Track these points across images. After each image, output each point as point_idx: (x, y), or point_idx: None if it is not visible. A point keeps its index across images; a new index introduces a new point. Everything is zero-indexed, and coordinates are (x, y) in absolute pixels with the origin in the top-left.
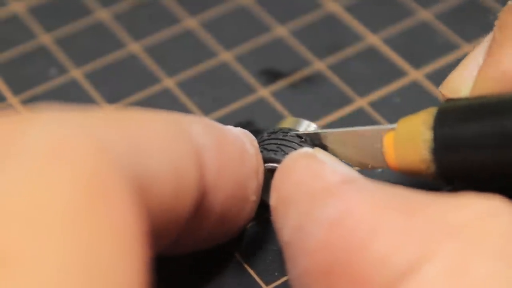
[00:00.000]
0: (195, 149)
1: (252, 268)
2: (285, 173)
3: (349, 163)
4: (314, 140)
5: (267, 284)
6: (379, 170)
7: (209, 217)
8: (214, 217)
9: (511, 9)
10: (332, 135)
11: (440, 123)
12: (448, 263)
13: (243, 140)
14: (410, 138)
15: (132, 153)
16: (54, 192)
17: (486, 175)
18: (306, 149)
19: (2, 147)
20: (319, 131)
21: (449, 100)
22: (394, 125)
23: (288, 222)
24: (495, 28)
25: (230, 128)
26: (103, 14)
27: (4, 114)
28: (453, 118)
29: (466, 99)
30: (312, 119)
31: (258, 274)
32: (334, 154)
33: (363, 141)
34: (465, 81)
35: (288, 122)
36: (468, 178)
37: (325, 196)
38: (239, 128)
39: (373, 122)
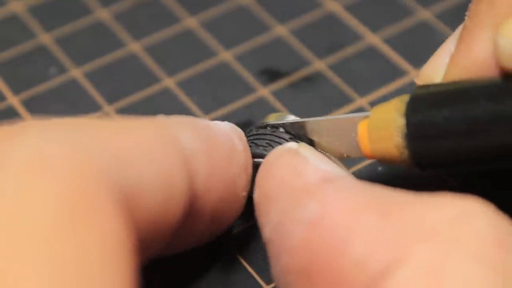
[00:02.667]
0: (184, 156)
1: (252, 268)
2: (267, 169)
3: (326, 152)
4: (292, 131)
5: (267, 283)
6: (379, 169)
7: (201, 219)
8: (205, 218)
9: None
10: (308, 124)
11: (412, 110)
12: (423, 265)
13: (232, 136)
14: (383, 125)
15: (118, 165)
16: (37, 205)
17: (458, 161)
18: (290, 144)
19: None
20: (295, 120)
21: (420, 87)
22: (368, 113)
23: (270, 219)
24: (466, 17)
25: (218, 124)
26: (103, 14)
27: None
28: (425, 104)
29: (437, 85)
30: None
31: (258, 274)
32: (312, 144)
33: (338, 130)
34: (437, 69)
35: (272, 117)
36: (440, 164)
37: (305, 195)
38: (226, 123)
39: None
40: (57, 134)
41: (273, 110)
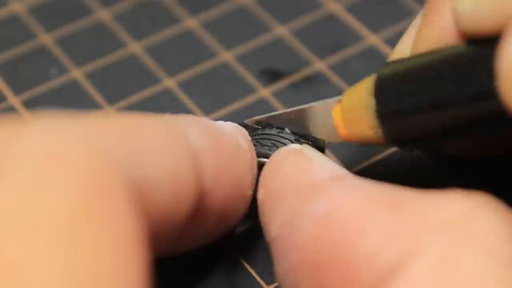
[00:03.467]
0: (192, 153)
1: (252, 268)
2: (273, 168)
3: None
4: (273, 124)
5: (267, 284)
6: (381, 168)
7: (208, 218)
8: (212, 217)
9: None
10: (286, 115)
11: (380, 88)
12: (435, 259)
13: (237, 136)
14: (355, 107)
15: (131, 158)
16: (52, 199)
17: (430, 133)
18: (294, 146)
19: (0, 153)
20: (276, 113)
21: (387, 63)
22: (342, 97)
23: (276, 217)
24: None
25: (223, 124)
26: (104, 14)
27: (1, 120)
28: (391, 80)
29: (403, 60)
30: None
31: (258, 274)
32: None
33: (316, 117)
34: (406, 45)
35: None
36: (414, 139)
37: (314, 192)
38: (230, 123)
39: None
40: (69, 126)
41: (274, 110)
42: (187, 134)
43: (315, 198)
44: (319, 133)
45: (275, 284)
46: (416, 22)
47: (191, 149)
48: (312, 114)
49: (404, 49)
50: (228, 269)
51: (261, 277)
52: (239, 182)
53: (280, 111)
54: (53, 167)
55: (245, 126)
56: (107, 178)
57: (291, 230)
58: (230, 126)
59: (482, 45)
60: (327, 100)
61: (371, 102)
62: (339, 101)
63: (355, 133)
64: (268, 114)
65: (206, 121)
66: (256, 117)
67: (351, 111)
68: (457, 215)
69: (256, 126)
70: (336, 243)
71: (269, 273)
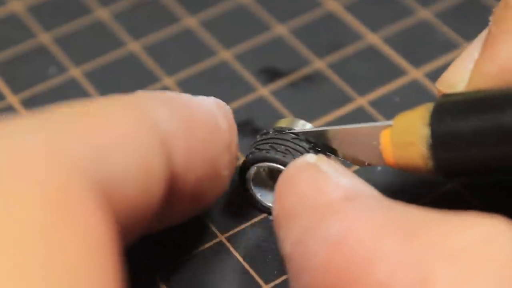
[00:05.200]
0: (161, 138)
1: (251, 267)
2: (288, 183)
3: (346, 160)
4: (311, 138)
5: (266, 282)
6: (378, 168)
7: (182, 198)
8: (186, 197)
9: (508, 5)
10: (329, 133)
11: (437, 119)
12: None
13: (215, 114)
14: (407, 135)
15: (94, 156)
16: (17, 209)
17: (484, 170)
18: (309, 157)
19: None
20: (316, 129)
21: (445, 95)
22: (391, 122)
23: (290, 234)
24: (490, 23)
25: (202, 100)
26: (103, 13)
27: None
28: (450, 113)
29: (463, 93)
30: (312, 118)
31: (257, 273)
32: (331, 151)
33: (360, 139)
34: (461, 76)
35: (284, 122)
36: (466, 173)
37: (328, 213)
38: (212, 99)
39: (373, 121)
40: (30, 131)
41: (273, 109)
42: (156, 117)
43: (328, 220)
44: (361, 154)
45: (274, 283)
46: (472, 49)
47: (159, 133)
48: (357, 134)
49: (458, 76)
50: (227, 269)
51: (260, 277)
52: (214, 162)
53: (322, 128)
54: (15, 176)
55: (247, 127)
56: (70, 181)
57: (305, 251)
58: (210, 104)
59: None
60: (375, 124)
61: (425, 132)
62: (389, 126)
63: (402, 161)
64: (310, 129)
65: (179, 99)
66: (296, 131)
67: (402, 139)
68: (471, 242)
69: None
70: (349, 268)
71: (268, 272)
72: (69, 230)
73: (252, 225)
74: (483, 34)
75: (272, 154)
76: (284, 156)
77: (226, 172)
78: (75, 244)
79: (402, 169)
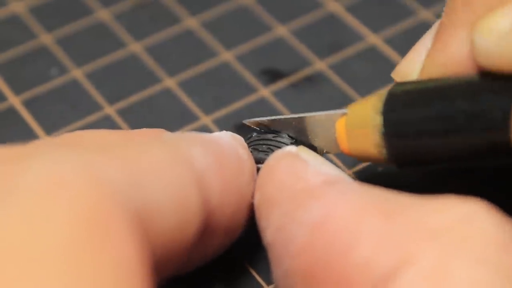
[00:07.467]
0: (197, 174)
1: (253, 268)
2: (268, 172)
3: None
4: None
5: (268, 283)
6: (379, 169)
7: (216, 234)
8: (221, 230)
9: None
10: (288, 121)
11: (389, 108)
12: (428, 268)
13: (236, 146)
14: (361, 123)
15: (132, 186)
16: (52, 229)
17: (435, 159)
18: (290, 148)
19: (2, 184)
20: (276, 117)
21: (398, 83)
22: (346, 110)
23: (271, 222)
24: (443, 13)
25: (221, 136)
26: (104, 14)
27: (4, 149)
28: (402, 102)
29: (414, 82)
30: None
31: (259, 274)
32: (313, 148)
33: (318, 126)
34: (414, 65)
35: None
36: (418, 162)
37: (307, 198)
38: (226, 133)
39: None
40: (69, 154)
41: (274, 110)
42: (191, 156)
43: (308, 205)
44: (318, 142)
45: (275, 284)
46: (426, 40)
47: (195, 171)
48: (314, 123)
49: (411, 66)
50: (228, 269)
51: (261, 277)
52: (244, 193)
53: (281, 116)
54: (53, 198)
55: (243, 127)
56: (107, 208)
57: (285, 237)
58: (228, 138)
59: (498, 81)
60: (331, 112)
61: (378, 121)
62: (344, 114)
63: (357, 149)
64: (269, 118)
65: (206, 137)
66: (257, 119)
67: (356, 127)
68: (451, 222)
69: (255, 128)
70: (329, 251)
71: (269, 273)
72: (99, 253)
73: (253, 226)
74: (436, 25)
75: (255, 154)
76: (266, 155)
77: (251, 200)
78: (104, 267)
79: (357, 157)
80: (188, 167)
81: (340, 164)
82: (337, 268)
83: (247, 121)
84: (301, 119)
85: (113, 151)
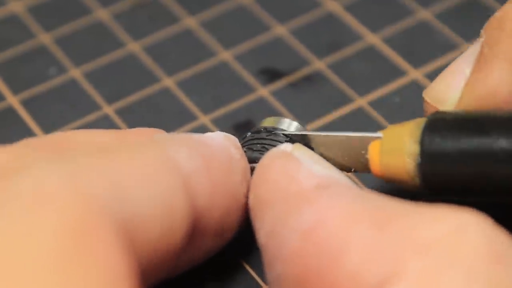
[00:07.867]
0: (184, 178)
1: (252, 268)
2: (261, 173)
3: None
4: (299, 141)
5: (267, 283)
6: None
7: (205, 236)
8: (210, 233)
9: (501, 24)
10: (318, 138)
11: (427, 138)
12: (417, 281)
13: (228, 146)
14: (396, 150)
15: (117, 195)
16: (39, 240)
17: (469, 191)
18: (285, 146)
19: None
20: (305, 133)
21: (436, 113)
22: (381, 134)
23: (264, 224)
24: (483, 43)
25: (213, 136)
26: (103, 14)
27: None
28: (440, 134)
29: (454, 113)
30: (312, 118)
31: (258, 274)
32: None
33: (348, 146)
34: (450, 92)
35: (269, 121)
36: (450, 192)
37: (300, 202)
38: (219, 133)
39: (373, 121)
40: (55, 166)
41: (273, 110)
42: (177, 159)
43: (300, 209)
44: (348, 161)
45: None
46: (462, 65)
47: (182, 175)
48: (345, 142)
49: (448, 92)
50: (227, 269)
51: (261, 278)
52: (235, 194)
53: (312, 132)
54: (39, 211)
55: (242, 127)
56: (93, 219)
57: (278, 240)
58: (220, 138)
59: None
60: (365, 134)
61: (415, 150)
62: (378, 138)
63: (388, 173)
64: (299, 133)
65: (196, 138)
66: (286, 132)
67: (390, 152)
68: (443, 234)
69: (251, 128)
70: (320, 257)
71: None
72: (86, 263)
73: (248, 225)
74: (474, 49)
75: (250, 154)
76: (261, 154)
77: (245, 200)
78: (91, 277)
79: (386, 180)
80: (175, 172)
81: None
82: (327, 275)
83: (261, 127)
84: (332, 137)
85: (100, 157)
